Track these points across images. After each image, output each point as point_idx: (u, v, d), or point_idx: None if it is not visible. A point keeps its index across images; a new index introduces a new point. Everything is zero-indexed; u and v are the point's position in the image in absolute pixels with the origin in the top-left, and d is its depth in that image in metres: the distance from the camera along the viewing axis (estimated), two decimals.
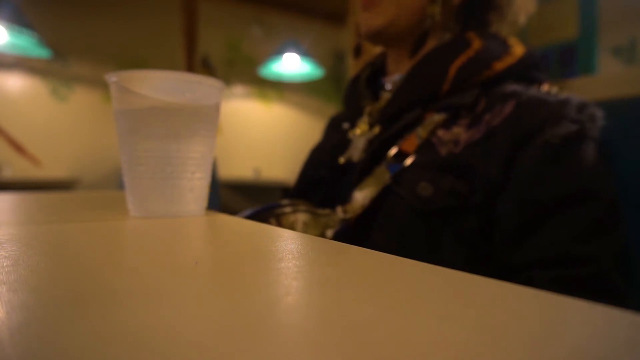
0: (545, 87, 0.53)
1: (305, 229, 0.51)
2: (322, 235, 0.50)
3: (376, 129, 0.56)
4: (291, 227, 0.52)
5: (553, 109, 0.46)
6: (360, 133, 0.59)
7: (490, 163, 0.45)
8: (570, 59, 2.82)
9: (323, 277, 0.18)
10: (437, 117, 0.51)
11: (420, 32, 0.57)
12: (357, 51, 0.68)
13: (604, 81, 0.57)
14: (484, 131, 0.47)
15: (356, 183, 0.52)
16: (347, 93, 0.68)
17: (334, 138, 0.65)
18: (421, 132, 0.51)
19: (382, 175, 0.50)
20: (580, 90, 0.48)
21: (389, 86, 0.61)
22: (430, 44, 0.58)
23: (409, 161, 0.49)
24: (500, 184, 0.44)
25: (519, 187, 0.44)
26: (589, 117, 0.45)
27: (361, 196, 0.50)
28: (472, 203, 0.45)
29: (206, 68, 2.85)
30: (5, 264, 0.18)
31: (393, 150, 0.51)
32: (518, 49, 0.54)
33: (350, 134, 0.61)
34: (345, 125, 0.64)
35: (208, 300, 0.15)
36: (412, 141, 0.51)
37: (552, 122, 0.45)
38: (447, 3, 0.57)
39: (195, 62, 2.49)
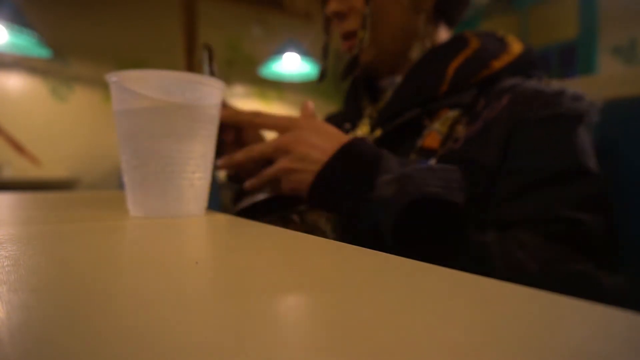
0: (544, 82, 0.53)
1: (328, 225, 0.52)
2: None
3: (377, 132, 0.56)
4: (315, 223, 0.52)
5: (548, 98, 0.46)
6: (362, 135, 0.59)
7: (488, 153, 0.45)
8: (570, 59, 2.82)
9: (323, 276, 0.18)
10: (451, 114, 0.51)
11: (408, 46, 0.58)
12: (322, 76, 0.65)
13: (604, 81, 0.57)
14: (481, 125, 0.47)
15: None
16: (348, 93, 0.68)
17: None
18: (440, 127, 0.51)
19: None
20: (580, 90, 0.48)
21: (387, 88, 0.61)
22: (420, 43, 0.59)
23: (434, 159, 0.49)
24: (498, 170, 0.45)
25: (514, 160, 0.45)
26: (586, 104, 0.46)
27: None
28: (474, 194, 0.45)
29: (206, 53, 2.84)
30: (5, 263, 0.18)
31: (416, 149, 0.52)
32: (516, 47, 0.54)
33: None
34: (347, 126, 0.64)
35: (208, 300, 0.15)
36: (434, 137, 0.51)
37: (547, 109, 0.45)
38: (421, 10, 0.57)
39: (195, 62, 2.49)
